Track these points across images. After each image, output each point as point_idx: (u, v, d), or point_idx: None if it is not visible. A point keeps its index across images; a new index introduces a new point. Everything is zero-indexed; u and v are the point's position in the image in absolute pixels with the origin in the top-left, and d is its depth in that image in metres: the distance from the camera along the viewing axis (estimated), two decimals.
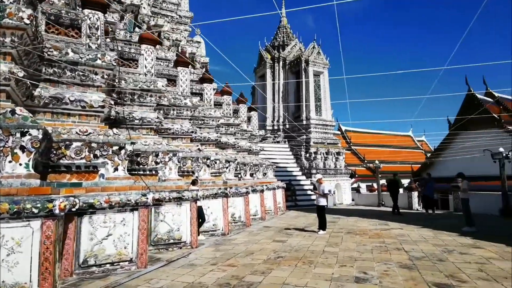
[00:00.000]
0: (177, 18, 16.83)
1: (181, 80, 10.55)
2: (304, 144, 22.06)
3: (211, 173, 11.19)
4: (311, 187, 20.57)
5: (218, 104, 13.93)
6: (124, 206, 5.90)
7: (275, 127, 24.49)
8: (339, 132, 41.39)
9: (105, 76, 6.83)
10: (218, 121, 12.58)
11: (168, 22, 15.14)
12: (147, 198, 6.08)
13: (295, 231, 10.09)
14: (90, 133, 6.19)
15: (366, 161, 36.60)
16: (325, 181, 10.79)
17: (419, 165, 30.08)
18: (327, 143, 22.34)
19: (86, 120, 6.59)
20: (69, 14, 6.92)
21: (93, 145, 6.08)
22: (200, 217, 8.81)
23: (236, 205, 11.24)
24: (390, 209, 15.33)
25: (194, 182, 8.97)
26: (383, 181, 21.41)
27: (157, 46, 11.19)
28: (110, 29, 9.35)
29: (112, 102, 7.32)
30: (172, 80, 10.66)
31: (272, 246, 7.70)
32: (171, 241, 7.57)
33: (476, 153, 18.76)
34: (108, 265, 5.68)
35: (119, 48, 8.74)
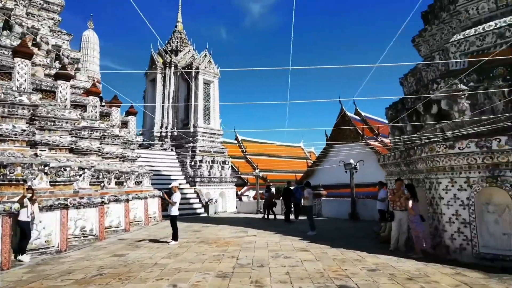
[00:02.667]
0: (40, 4, 14.78)
1: (18, 73, 9.10)
2: (190, 152, 21.74)
3: (58, 182, 9.95)
4: (195, 195, 20.43)
5: (81, 105, 12.58)
6: None
7: (163, 134, 23.60)
8: (235, 141, 42.58)
9: None
10: (75, 123, 11.32)
11: (24, 7, 13.13)
12: None
13: (148, 243, 9.57)
14: None
15: (259, 170, 38.29)
16: (181, 189, 10.53)
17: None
18: (214, 152, 22.49)
19: None
20: None
21: None
22: (23, 233, 7.60)
23: (87, 216, 10.16)
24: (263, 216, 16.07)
25: (28, 190, 7.74)
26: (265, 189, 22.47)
27: None
28: None
29: None
30: (7, 73, 9.13)
31: (103, 262, 7.06)
32: None
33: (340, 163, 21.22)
34: None
35: None
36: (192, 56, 24.82)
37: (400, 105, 9.45)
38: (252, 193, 33.44)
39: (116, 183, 13.49)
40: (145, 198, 14.53)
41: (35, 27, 13.00)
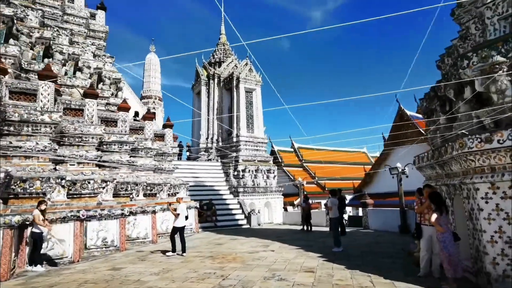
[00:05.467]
0: (85, 32, 16.23)
1: (41, 94, 9.83)
2: (233, 162, 21.54)
3: (83, 194, 10.44)
4: (237, 206, 20.05)
5: (112, 121, 13.24)
6: None
7: (209, 145, 23.94)
8: (291, 149, 41.44)
9: None
10: (101, 138, 11.86)
11: (67, 36, 14.50)
12: None
13: (158, 256, 9.32)
14: None
15: (317, 178, 36.50)
16: (184, 201, 10.17)
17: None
18: (258, 161, 21.93)
19: None
20: None
21: None
22: (35, 244, 7.96)
23: (108, 228, 10.40)
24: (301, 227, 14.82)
25: (41, 204, 8.17)
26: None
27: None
28: None
29: None
30: (32, 95, 9.93)
31: (93, 276, 6.93)
32: None
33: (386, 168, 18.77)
34: None
35: None
36: (235, 65, 24.91)
37: (432, 93, 7.70)
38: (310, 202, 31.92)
39: (148, 195, 13.81)
40: None
41: (76, 53, 14.21)
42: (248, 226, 18.55)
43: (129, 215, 11.49)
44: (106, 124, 12.96)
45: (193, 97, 26.65)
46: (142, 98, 40.43)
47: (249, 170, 21.14)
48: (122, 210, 10.74)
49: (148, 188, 14.04)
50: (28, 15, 12.90)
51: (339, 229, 13.43)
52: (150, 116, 15.50)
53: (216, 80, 24.34)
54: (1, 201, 7.51)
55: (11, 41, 11.46)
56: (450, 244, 5.52)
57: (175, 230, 9.33)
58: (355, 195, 28.15)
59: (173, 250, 9.29)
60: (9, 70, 10.64)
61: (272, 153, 39.61)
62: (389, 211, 13.96)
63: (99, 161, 11.56)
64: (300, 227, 16.44)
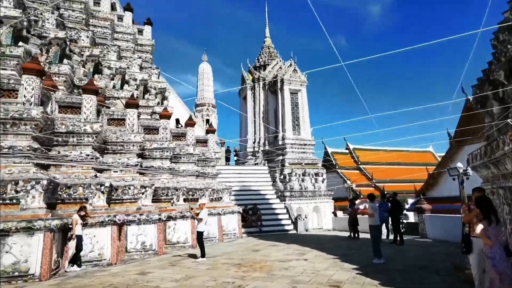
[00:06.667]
0: (133, 48, 17.35)
1: (84, 107, 10.60)
2: (279, 166, 21.09)
3: (124, 199, 10.97)
4: (284, 211, 19.52)
5: (154, 129, 13.80)
6: None
7: (256, 149, 23.83)
8: (346, 151, 39.44)
9: None
10: (141, 146, 12.40)
11: (115, 52, 15.61)
12: None
13: (188, 261, 9.31)
14: None
15: (374, 181, 34.13)
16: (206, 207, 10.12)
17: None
18: (305, 164, 21.13)
19: None
20: None
21: None
22: (77, 246, 8.51)
23: (147, 232, 10.74)
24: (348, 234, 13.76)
25: (81, 210, 8.77)
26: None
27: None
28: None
29: None
30: (77, 108, 10.76)
31: (120, 280, 7.10)
32: (16, 273, 7.27)
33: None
34: None
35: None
36: (280, 67, 24.54)
37: (484, 77, 6.46)
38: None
39: (189, 200, 14.09)
40: (219, 214, 14.61)
41: (122, 67, 15.22)
42: (294, 231, 17.90)
43: (167, 220, 11.78)
44: (148, 132, 13.56)
45: (240, 102, 26.91)
46: (196, 106, 42.22)
47: (296, 174, 20.48)
48: (160, 215, 11.03)
49: (190, 193, 14.34)
50: (80, 36, 14.17)
51: (396, 238, 12.09)
52: (191, 122, 15.88)
53: (261, 83, 24.23)
54: (45, 205, 8.15)
55: (65, 60, 12.64)
56: (500, 261, 4.44)
57: (200, 234, 9.25)
58: (416, 200, 25.61)
59: (202, 255, 9.22)
60: (61, 87, 11.72)
61: (326, 155, 38.29)
62: (448, 217, 12.22)
63: (140, 167, 12.09)
64: (348, 234, 15.33)
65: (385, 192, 27.30)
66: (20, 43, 10.87)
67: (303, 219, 18.27)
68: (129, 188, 11.08)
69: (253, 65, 26.05)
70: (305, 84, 22.86)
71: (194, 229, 12.80)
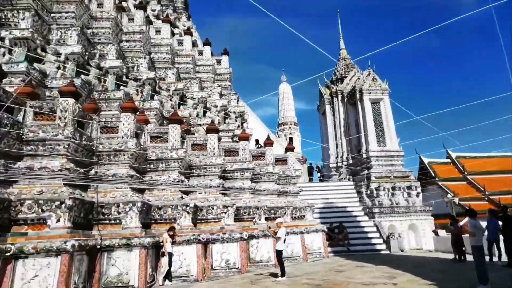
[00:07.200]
0: (212, 77, 18.90)
1: (170, 135, 11.85)
2: (365, 180, 19.76)
3: (209, 219, 11.71)
4: (374, 229, 18.06)
5: (233, 151, 14.54)
6: (48, 251, 7.14)
7: (339, 164, 22.92)
8: (447, 160, 34.66)
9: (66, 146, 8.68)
10: (221, 167, 13.12)
11: (197, 83, 17.22)
12: (66, 245, 7.18)
13: (269, 279, 9.29)
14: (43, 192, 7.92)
15: (487, 193, 29.01)
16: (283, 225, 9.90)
17: None
18: (394, 177, 19.33)
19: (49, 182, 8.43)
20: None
21: (40, 201, 7.74)
22: (169, 263, 9.36)
23: (230, 250, 11.17)
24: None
25: (171, 229, 9.72)
26: None
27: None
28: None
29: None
30: (165, 137, 12.09)
31: None
32: (120, 284, 8.32)
33: None
34: None
35: (104, 119, 10.73)
36: (358, 78, 23.54)
37: None
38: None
39: (272, 219, 14.19)
40: (301, 233, 14.31)
41: (204, 96, 16.67)
42: (387, 251, 16.34)
43: (249, 239, 12.05)
44: (228, 154, 14.34)
45: (319, 117, 26.52)
46: (279, 126, 43.17)
47: (384, 188, 18.88)
48: (241, 234, 11.37)
49: (272, 211, 14.48)
50: (167, 74, 16.13)
51: (511, 260, 10.05)
52: (269, 142, 16.24)
53: (339, 96, 23.57)
54: (140, 225, 9.26)
55: (155, 96, 14.49)
56: None
57: (279, 253, 9.16)
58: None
59: (282, 274, 9.10)
60: (152, 120, 13.40)
61: (422, 167, 34.36)
62: None
63: (222, 188, 12.79)
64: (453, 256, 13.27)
65: (501, 205, 22.98)
66: (121, 87, 12.94)
67: (397, 238, 16.57)
68: (213, 208, 11.77)
69: (330, 79, 25.61)
70: (387, 92, 21.35)
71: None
